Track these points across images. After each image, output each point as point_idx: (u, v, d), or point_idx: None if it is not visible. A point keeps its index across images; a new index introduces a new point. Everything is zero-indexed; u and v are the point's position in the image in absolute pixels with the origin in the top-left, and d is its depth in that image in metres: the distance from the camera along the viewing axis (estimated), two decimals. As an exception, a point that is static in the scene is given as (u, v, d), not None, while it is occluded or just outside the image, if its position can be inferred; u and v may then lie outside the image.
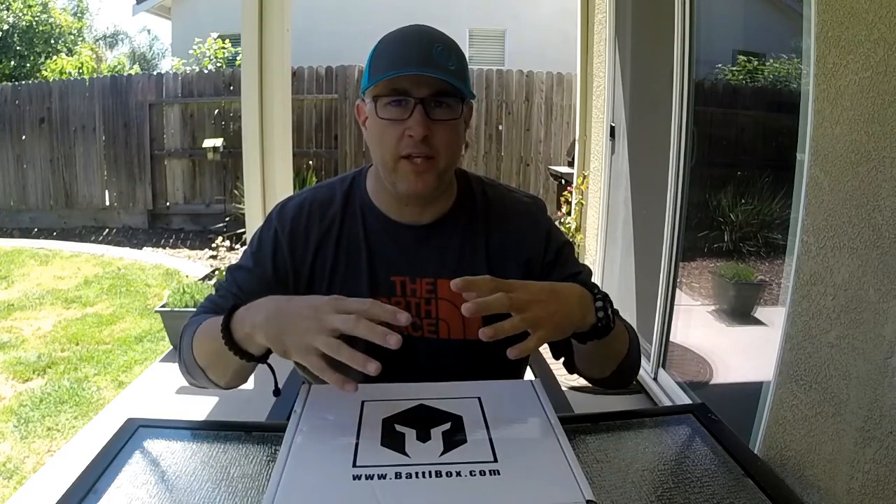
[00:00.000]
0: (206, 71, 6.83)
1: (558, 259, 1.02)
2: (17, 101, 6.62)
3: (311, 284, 0.98)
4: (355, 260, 0.98)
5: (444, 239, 0.99)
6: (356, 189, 1.02)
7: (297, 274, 0.98)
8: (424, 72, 0.85)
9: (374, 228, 0.99)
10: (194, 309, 3.51)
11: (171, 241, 6.47)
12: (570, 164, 4.78)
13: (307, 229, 0.98)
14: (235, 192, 6.13)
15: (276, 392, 0.95)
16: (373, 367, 0.69)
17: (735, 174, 2.61)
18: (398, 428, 0.74)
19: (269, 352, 0.81)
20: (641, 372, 2.79)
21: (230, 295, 0.97)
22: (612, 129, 3.36)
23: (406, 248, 0.98)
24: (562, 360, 1.05)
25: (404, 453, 0.70)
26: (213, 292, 1.03)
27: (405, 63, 0.86)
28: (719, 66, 2.68)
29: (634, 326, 2.97)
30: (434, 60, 0.86)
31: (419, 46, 0.87)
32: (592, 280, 1.08)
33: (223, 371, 0.88)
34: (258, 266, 0.98)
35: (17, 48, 10.52)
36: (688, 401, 2.41)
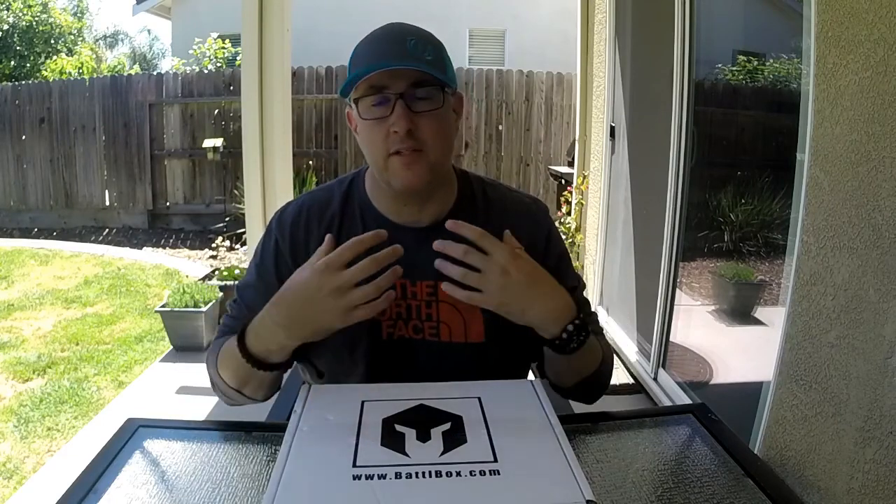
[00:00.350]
0: (206, 71, 6.83)
1: (557, 271, 0.99)
2: (17, 101, 6.62)
3: None
4: (355, 262, 0.97)
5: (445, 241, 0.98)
6: (355, 190, 1.02)
7: None
8: (399, 65, 0.85)
9: (373, 230, 0.98)
10: (194, 309, 3.49)
11: (171, 241, 6.47)
12: (570, 164, 4.77)
13: (307, 233, 0.98)
14: (235, 192, 6.13)
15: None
16: (398, 270, 0.81)
17: (735, 174, 2.61)
18: (398, 428, 0.74)
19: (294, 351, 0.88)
20: (641, 371, 2.79)
21: (244, 319, 0.98)
22: (612, 129, 3.36)
23: (406, 251, 0.97)
24: (535, 363, 1.05)
25: (404, 453, 0.70)
26: (228, 310, 1.04)
27: (379, 59, 0.86)
28: (719, 66, 2.67)
29: (634, 326, 2.96)
30: (409, 53, 0.86)
31: (392, 42, 0.87)
32: (586, 289, 1.09)
33: (259, 385, 0.92)
34: (262, 281, 0.99)
35: (17, 48, 10.52)
36: (688, 401, 2.41)
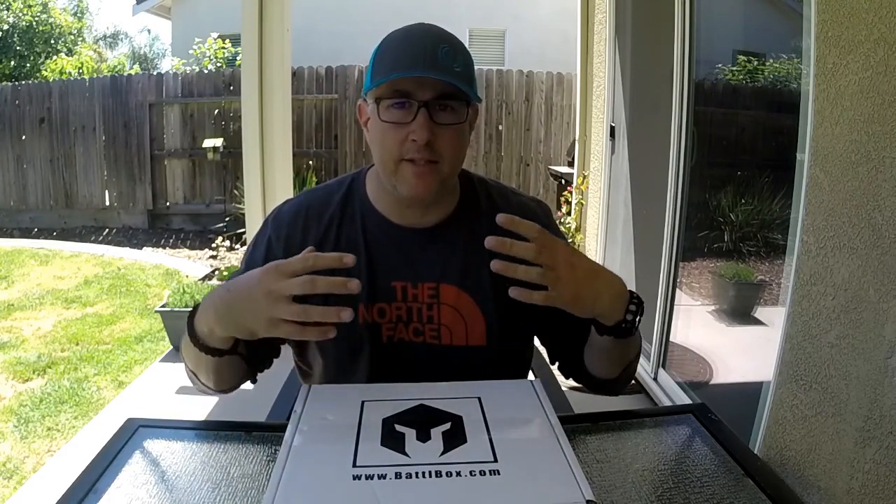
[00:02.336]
0: (206, 71, 6.83)
1: None
2: (17, 101, 6.62)
3: None
4: (354, 265, 0.96)
5: (447, 243, 0.97)
6: (355, 191, 1.00)
7: None
8: (429, 74, 0.82)
9: (374, 232, 0.96)
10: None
11: (171, 241, 6.47)
12: (570, 164, 4.78)
13: (304, 234, 0.96)
14: (235, 192, 6.13)
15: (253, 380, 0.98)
16: (346, 314, 0.72)
17: (735, 174, 2.61)
18: (398, 428, 0.74)
19: (237, 343, 0.83)
20: (641, 371, 2.79)
21: None
22: (612, 129, 3.36)
23: (407, 253, 0.96)
24: (557, 364, 1.05)
25: (404, 453, 0.70)
26: None
27: (409, 64, 0.83)
28: (719, 66, 2.68)
29: (634, 326, 2.85)
30: (439, 62, 0.83)
31: (424, 47, 0.84)
32: None
33: (206, 373, 0.89)
34: None
35: (17, 48, 10.53)
36: (688, 401, 2.41)
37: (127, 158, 6.58)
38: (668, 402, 2.51)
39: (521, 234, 0.77)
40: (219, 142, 6.24)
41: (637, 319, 0.84)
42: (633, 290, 0.85)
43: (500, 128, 6.59)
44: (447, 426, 0.74)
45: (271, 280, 0.74)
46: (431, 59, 0.83)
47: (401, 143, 0.86)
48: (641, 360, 2.98)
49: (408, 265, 0.95)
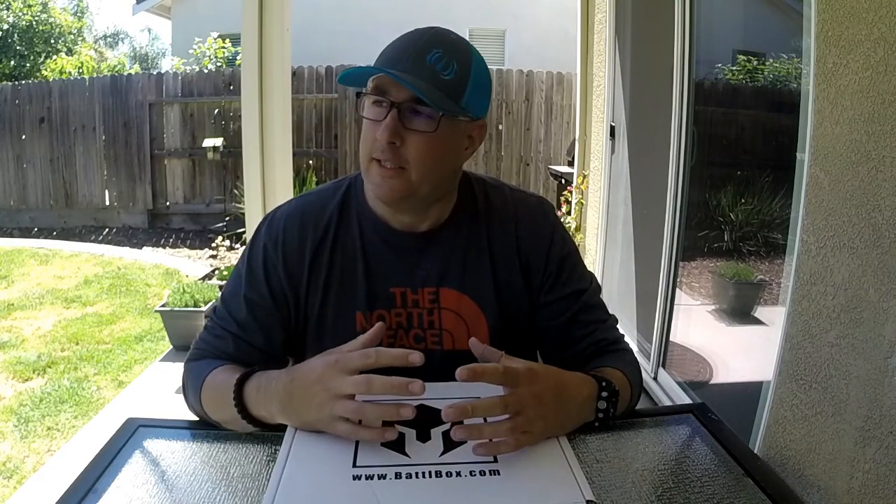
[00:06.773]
0: (206, 70, 6.83)
1: (560, 273, 0.97)
2: (17, 101, 6.62)
3: (307, 299, 0.94)
4: (351, 271, 0.93)
5: (446, 246, 0.95)
6: (352, 195, 0.97)
7: (295, 292, 0.93)
8: (402, 76, 0.79)
9: (372, 237, 0.94)
10: (194, 308, 3.46)
11: (171, 240, 6.47)
12: (570, 164, 4.78)
13: (301, 240, 0.93)
14: (235, 191, 6.13)
15: None
16: (408, 412, 0.69)
17: (735, 174, 2.61)
18: (398, 428, 0.74)
19: None
20: (641, 371, 2.79)
21: (228, 335, 0.93)
22: (612, 129, 3.36)
23: (406, 257, 0.94)
24: None
25: (404, 453, 0.70)
26: (208, 322, 0.97)
27: (392, 63, 0.82)
28: (719, 65, 2.68)
29: (634, 326, 2.94)
30: (424, 66, 0.81)
31: (413, 49, 0.83)
32: (599, 290, 1.04)
33: (229, 426, 0.86)
34: (253, 291, 0.93)
35: (17, 48, 10.53)
36: (688, 400, 2.41)
37: (127, 158, 6.59)
38: (668, 402, 2.51)
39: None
40: (219, 141, 6.24)
41: (611, 411, 0.82)
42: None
43: (500, 127, 6.59)
44: (447, 426, 0.74)
45: (330, 376, 0.72)
46: (415, 61, 0.81)
47: (373, 140, 0.84)
48: (641, 359, 2.98)
49: (406, 270, 0.94)
